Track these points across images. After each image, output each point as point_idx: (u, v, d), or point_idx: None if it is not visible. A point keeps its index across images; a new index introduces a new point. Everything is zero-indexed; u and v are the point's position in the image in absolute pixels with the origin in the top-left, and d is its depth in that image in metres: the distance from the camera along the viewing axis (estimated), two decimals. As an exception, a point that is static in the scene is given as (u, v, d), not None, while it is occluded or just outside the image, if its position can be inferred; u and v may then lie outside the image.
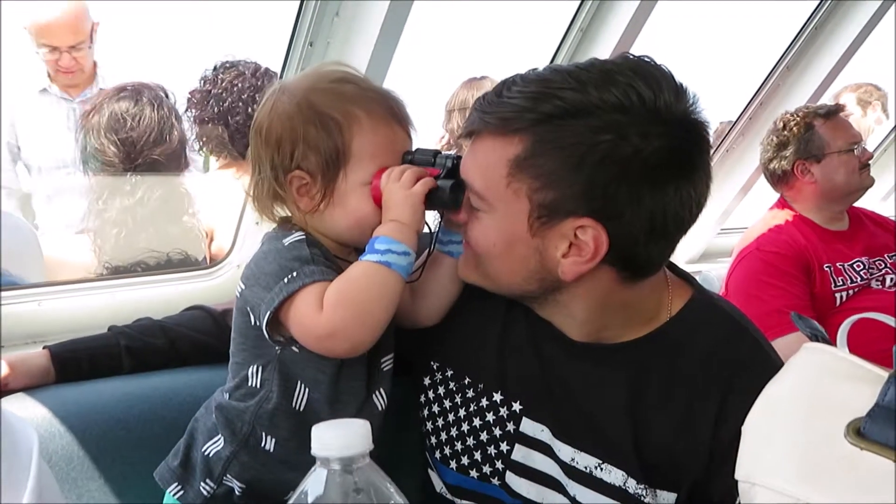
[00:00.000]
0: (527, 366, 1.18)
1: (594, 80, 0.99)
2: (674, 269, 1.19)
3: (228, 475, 1.14)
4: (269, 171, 1.10)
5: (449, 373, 1.23)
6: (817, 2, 3.00)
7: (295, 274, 1.03)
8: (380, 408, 1.15)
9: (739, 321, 1.15)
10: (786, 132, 2.45)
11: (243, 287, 1.10)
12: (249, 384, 1.12)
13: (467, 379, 1.22)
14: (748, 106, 3.13)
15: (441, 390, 1.24)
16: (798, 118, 2.45)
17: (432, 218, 1.17)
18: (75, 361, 1.33)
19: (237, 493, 1.14)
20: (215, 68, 2.26)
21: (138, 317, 1.44)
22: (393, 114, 1.12)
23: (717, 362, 1.09)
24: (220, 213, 2.17)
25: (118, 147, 1.99)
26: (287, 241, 1.08)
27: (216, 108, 2.22)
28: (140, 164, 2.00)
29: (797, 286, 2.29)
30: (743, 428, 0.89)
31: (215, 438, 1.15)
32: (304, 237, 1.09)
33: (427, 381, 1.25)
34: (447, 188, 1.09)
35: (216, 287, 2.02)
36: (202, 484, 1.15)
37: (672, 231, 1.05)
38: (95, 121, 1.99)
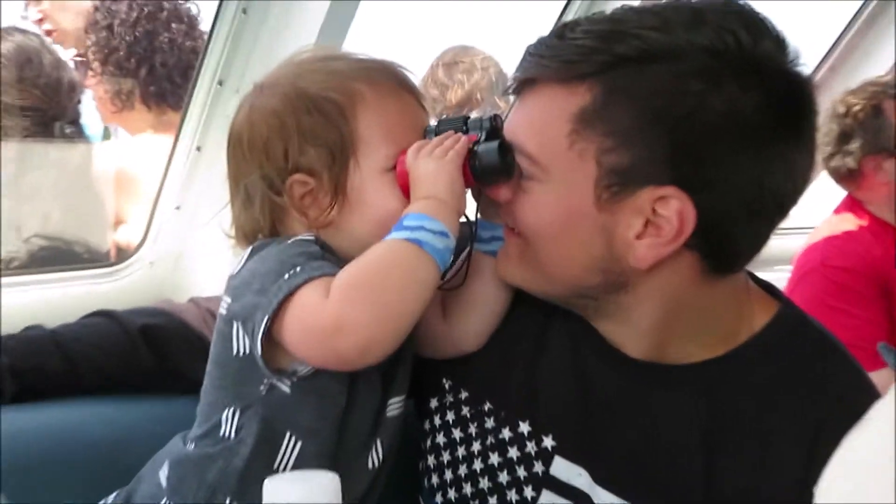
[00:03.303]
0: (565, 390, 1.20)
1: (681, 19, 1.03)
2: (755, 279, 1.23)
3: None
4: (261, 183, 1.13)
5: (463, 395, 1.26)
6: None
7: (299, 269, 1.05)
8: (373, 465, 1.16)
9: (837, 346, 1.18)
10: (848, 119, 2.42)
11: (230, 301, 1.11)
12: (221, 433, 1.12)
13: (487, 404, 1.24)
14: (818, 68, 3.14)
15: (451, 416, 1.27)
16: (863, 101, 2.43)
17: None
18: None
19: None
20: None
21: (18, 326, 1.43)
22: (400, 83, 1.17)
23: (809, 393, 1.12)
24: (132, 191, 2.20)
25: (41, 93, 1.97)
26: (292, 239, 1.11)
27: (132, 49, 2.28)
28: (67, 113, 2.01)
29: (873, 311, 2.29)
30: (816, 490, 0.87)
31: None
32: (313, 237, 1.12)
33: (434, 402, 1.28)
34: (494, 150, 1.10)
35: (121, 291, 2.02)
36: None
37: (772, 208, 1.08)
38: None
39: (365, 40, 1.92)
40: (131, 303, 1.74)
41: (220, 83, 1.94)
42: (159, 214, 2.06)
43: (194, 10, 2.38)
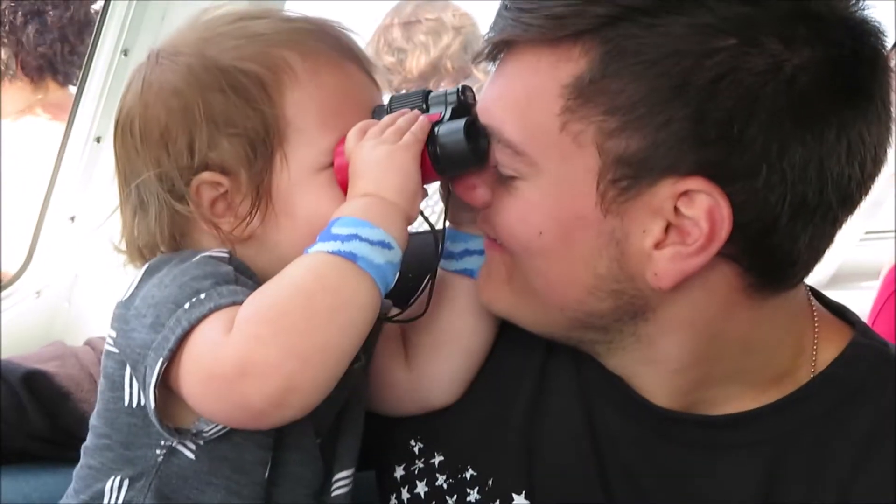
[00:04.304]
0: (573, 452, 1.20)
1: None
2: (822, 298, 1.23)
3: None
4: (158, 185, 1.13)
5: (438, 459, 1.27)
6: None
7: (203, 296, 1.04)
8: None
9: None
10: None
11: (115, 335, 1.11)
12: None
13: (470, 471, 1.25)
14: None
15: (422, 488, 1.27)
16: None
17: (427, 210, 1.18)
18: None
19: None
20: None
21: None
22: (341, 50, 1.17)
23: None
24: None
25: None
26: (199, 256, 1.11)
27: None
28: None
29: None
30: None
31: None
32: (227, 254, 1.13)
33: (401, 471, 1.29)
34: (459, 131, 1.10)
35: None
36: None
37: (833, 202, 1.06)
38: None
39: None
40: (10, 347, 1.78)
41: (125, 53, 1.94)
42: (48, 228, 2.06)
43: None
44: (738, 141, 1.01)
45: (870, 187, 1.09)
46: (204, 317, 1.02)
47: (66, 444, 1.39)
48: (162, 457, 1.09)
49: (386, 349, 1.20)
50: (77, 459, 1.36)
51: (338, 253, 1.02)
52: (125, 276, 1.25)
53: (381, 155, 1.08)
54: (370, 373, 1.21)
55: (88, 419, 1.32)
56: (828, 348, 1.16)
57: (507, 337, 1.23)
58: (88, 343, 1.56)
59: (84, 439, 1.32)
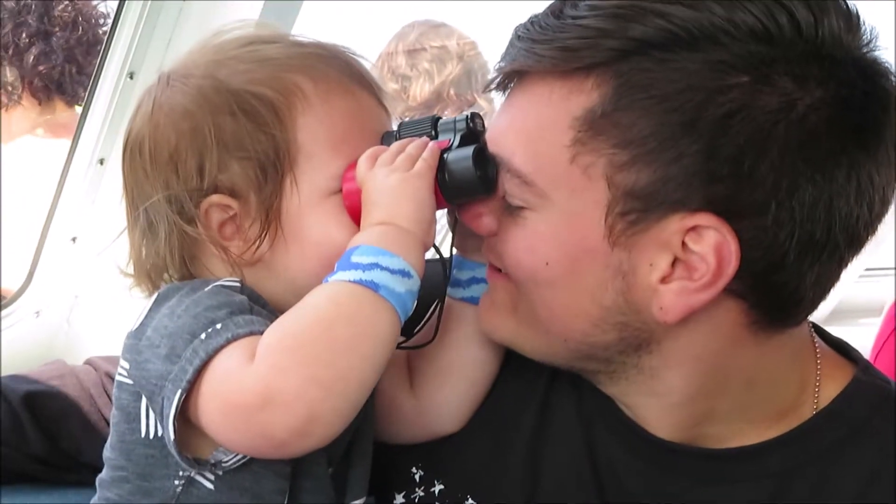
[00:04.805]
0: (574, 481, 1.20)
1: None
2: (824, 334, 1.23)
3: None
4: (167, 207, 1.13)
5: (438, 488, 1.26)
6: None
7: (220, 326, 1.04)
8: None
9: None
10: None
11: (127, 367, 1.10)
12: None
13: (469, 500, 1.24)
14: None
15: None
16: None
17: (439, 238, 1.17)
18: None
19: None
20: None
21: None
22: (352, 75, 1.17)
23: None
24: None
25: None
26: (211, 285, 1.10)
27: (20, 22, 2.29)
28: None
29: None
30: None
31: None
32: (238, 282, 1.12)
33: (401, 499, 1.28)
34: (468, 159, 1.11)
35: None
36: None
37: (840, 242, 1.06)
38: None
39: (321, 17, 1.93)
40: (9, 367, 1.76)
41: (131, 75, 1.94)
42: (49, 248, 2.05)
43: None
44: (749, 178, 1.01)
45: (877, 227, 1.09)
46: (222, 347, 1.02)
47: (65, 467, 1.43)
48: (181, 488, 1.09)
49: (391, 376, 1.20)
50: (75, 481, 1.40)
51: (359, 282, 1.02)
52: (126, 299, 1.26)
53: (395, 183, 1.08)
54: (374, 400, 1.20)
55: (88, 440, 1.36)
56: (830, 385, 1.16)
57: (510, 365, 1.23)
58: (89, 362, 1.56)
59: (83, 461, 1.36)
